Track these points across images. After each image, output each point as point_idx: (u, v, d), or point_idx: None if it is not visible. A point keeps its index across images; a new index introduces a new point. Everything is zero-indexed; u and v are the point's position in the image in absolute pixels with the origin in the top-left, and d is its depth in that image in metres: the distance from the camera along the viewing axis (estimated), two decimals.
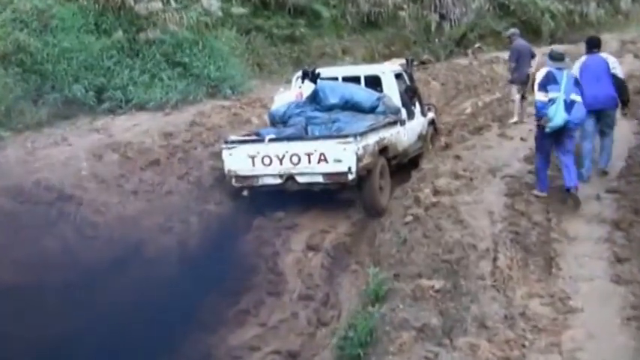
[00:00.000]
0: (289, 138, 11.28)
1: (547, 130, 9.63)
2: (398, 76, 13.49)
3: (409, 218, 9.76)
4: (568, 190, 9.74)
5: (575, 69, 10.41)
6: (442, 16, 26.85)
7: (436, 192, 10.32)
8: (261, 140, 11.40)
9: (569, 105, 9.49)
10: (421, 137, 14.04)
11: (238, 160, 11.31)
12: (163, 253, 10.11)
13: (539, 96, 9.62)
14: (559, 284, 7.57)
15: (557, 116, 9.45)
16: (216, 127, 14.09)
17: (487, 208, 9.61)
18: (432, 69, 23.86)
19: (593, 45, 10.90)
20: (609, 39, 30.91)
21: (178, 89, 16.00)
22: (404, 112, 12.94)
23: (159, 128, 13.82)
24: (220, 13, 18.17)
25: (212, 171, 12.47)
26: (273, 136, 11.51)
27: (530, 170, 11.08)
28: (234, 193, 12.15)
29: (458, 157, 11.93)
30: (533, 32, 27.10)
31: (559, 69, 9.72)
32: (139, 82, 15.82)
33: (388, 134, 12.08)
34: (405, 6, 25.75)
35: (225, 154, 11.44)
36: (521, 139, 13.15)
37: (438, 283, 7.43)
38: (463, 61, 25.79)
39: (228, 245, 10.83)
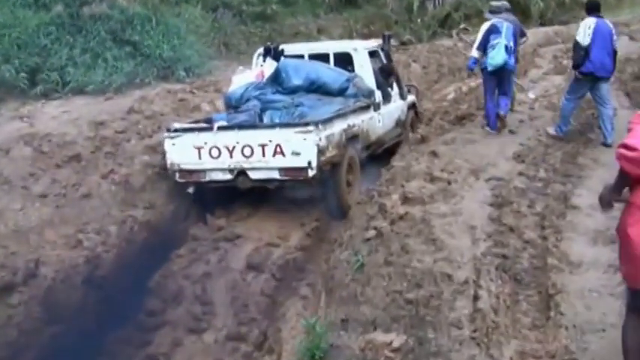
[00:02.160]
0: (240, 126, 9.83)
1: (489, 69, 10.99)
2: (372, 53, 12.06)
3: (371, 233, 7.81)
4: (498, 115, 11.24)
5: (585, 31, 10.40)
6: None
7: (406, 199, 8.35)
8: (208, 129, 9.90)
9: (508, 49, 10.84)
10: (399, 123, 12.79)
11: (183, 152, 9.86)
12: (65, 275, 8.11)
13: (475, 53, 11.36)
14: (560, 337, 5.61)
15: (498, 56, 10.79)
16: (157, 116, 12.15)
17: (467, 221, 7.64)
18: (412, 50, 22.05)
19: (595, 8, 10.73)
20: None
21: (124, 71, 14.52)
22: (378, 95, 11.65)
23: (91, 116, 11.87)
24: None
25: (144, 168, 10.58)
26: (222, 123, 10.03)
27: (521, 172, 9.18)
28: (169, 194, 10.26)
29: (435, 154, 9.96)
30: (522, 13, 25.56)
31: (499, 21, 11.06)
32: (79, 62, 14.31)
33: (359, 121, 10.69)
34: None
35: (167, 144, 9.98)
36: (510, 131, 11.24)
37: (397, 339, 5.48)
38: (447, 42, 23.94)
39: (152, 263, 8.93)
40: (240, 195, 10.34)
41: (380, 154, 11.77)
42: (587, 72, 10.44)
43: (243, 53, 18.56)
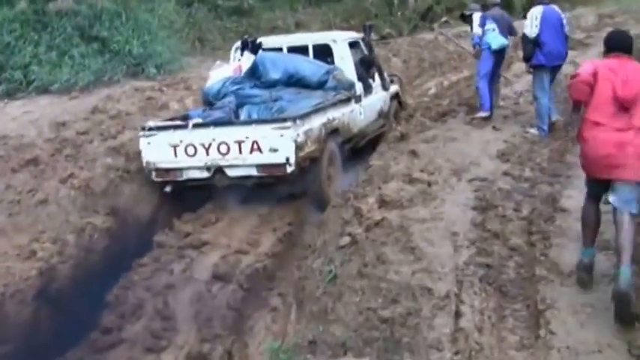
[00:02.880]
0: (216, 123, 9.63)
1: (494, 47, 11.09)
2: (353, 44, 11.84)
3: (345, 240, 7.24)
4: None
5: (532, 22, 10.19)
6: None
7: (383, 202, 7.77)
8: (183, 126, 9.65)
9: (501, 34, 11.12)
10: (382, 114, 12.58)
11: (158, 150, 9.63)
12: (15, 290, 7.43)
13: (478, 30, 11.25)
14: (551, 359, 5.04)
15: (498, 38, 11.09)
16: (122, 115, 11.56)
17: (449, 227, 7.07)
18: (393, 44, 21.52)
19: None
20: (585, 12, 29.17)
21: (92, 68, 13.86)
22: (359, 87, 11.44)
23: (53, 116, 11.28)
24: None
25: (107, 171, 9.97)
26: (197, 120, 9.79)
27: (506, 172, 8.62)
28: (133, 198, 9.67)
29: (414, 153, 9.38)
30: (506, 5, 24.92)
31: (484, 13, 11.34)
32: (44, 60, 13.67)
33: (339, 114, 10.46)
34: None
35: (142, 142, 9.73)
36: (494, 128, 10.69)
37: None
38: (428, 36, 23.41)
39: (112, 274, 8.28)
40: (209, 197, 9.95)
41: (364, 145, 11.56)
42: (538, 64, 10.29)
43: (218, 49, 18.09)
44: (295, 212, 9.72)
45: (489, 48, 11.11)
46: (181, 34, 17.53)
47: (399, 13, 24.90)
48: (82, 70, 13.65)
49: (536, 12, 10.20)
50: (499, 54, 11.32)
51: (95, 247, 8.76)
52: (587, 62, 6.32)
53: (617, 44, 6.02)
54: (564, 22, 10.46)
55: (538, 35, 10.06)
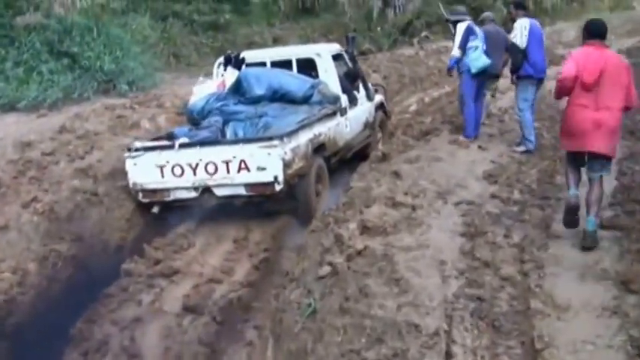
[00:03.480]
0: (202, 143, 9.49)
1: (473, 71, 10.65)
2: (337, 57, 11.75)
3: (325, 270, 6.78)
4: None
5: (521, 32, 10.11)
6: (385, 2, 24.76)
7: (365, 228, 7.34)
8: (170, 147, 9.52)
9: (485, 53, 10.65)
10: (368, 125, 12.43)
11: (145, 171, 9.51)
12: None
13: (456, 52, 10.72)
14: None
15: (481, 59, 10.62)
16: (90, 135, 11.01)
17: (436, 256, 6.63)
18: (372, 60, 21.13)
19: (524, 7, 10.86)
20: (566, 27, 29.05)
21: (61, 85, 13.37)
22: (344, 100, 11.29)
23: (18, 136, 10.72)
24: None
25: (73, 194, 9.45)
26: (184, 140, 9.62)
27: (494, 194, 8.21)
28: (100, 223, 9.17)
29: (397, 175, 8.97)
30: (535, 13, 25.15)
31: (472, 23, 10.90)
32: (12, 76, 13.17)
33: (325, 128, 10.38)
34: None
35: (129, 164, 9.58)
36: (480, 147, 10.28)
37: None
38: (408, 51, 23.09)
39: (76, 306, 7.71)
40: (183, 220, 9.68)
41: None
42: (526, 75, 10.20)
43: (193, 65, 17.74)
44: (272, 236, 9.25)
45: (469, 71, 10.78)
46: (155, 49, 17.10)
47: (379, 28, 24.64)
48: (50, 86, 13.19)
49: (524, 23, 10.13)
50: (482, 74, 10.88)
51: (59, 277, 8.26)
52: (568, 61, 7.04)
53: (594, 32, 6.96)
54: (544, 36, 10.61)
55: (526, 47, 10.04)
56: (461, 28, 10.77)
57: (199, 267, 8.47)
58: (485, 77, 10.96)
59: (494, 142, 10.70)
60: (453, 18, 11.33)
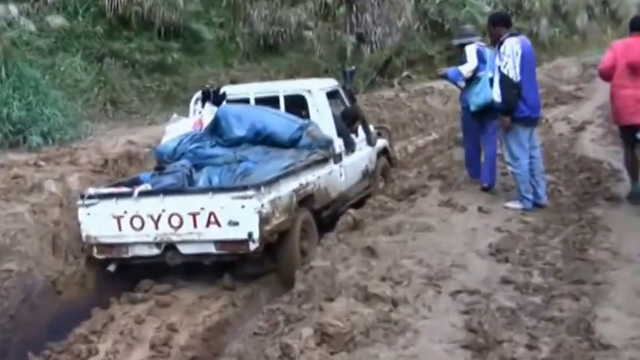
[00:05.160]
0: (166, 191, 8.62)
1: (472, 108, 9.10)
2: (332, 94, 10.93)
3: None
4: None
5: (514, 59, 8.02)
6: (360, 38, 22.56)
7: (324, 337, 5.06)
8: (127, 194, 8.69)
9: (491, 83, 8.59)
10: (367, 174, 11.51)
11: (100, 222, 8.68)
12: None
13: (466, 74, 9.04)
14: None
15: (484, 92, 8.78)
16: None
17: None
18: None
19: (508, 22, 8.72)
20: (567, 63, 27.71)
21: None
22: (339, 144, 10.51)
23: None
24: (33, 28, 13.04)
25: None
26: (145, 187, 8.87)
27: (505, 278, 5.93)
28: None
29: (372, 251, 6.73)
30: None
31: (482, 46, 9.31)
32: None
33: (314, 177, 9.59)
34: (313, 24, 21.39)
35: (81, 213, 8.76)
36: (480, 209, 8.04)
37: None
38: (388, 93, 21.24)
39: None
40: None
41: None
42: (523, 117, 8.25)
43: (135, 112, 15.68)
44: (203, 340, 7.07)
45: (467, 107, 9.23)
46: (89, 94, 14.96)
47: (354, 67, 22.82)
48: None
49: (515, 47, 8.12)
50: (484, 110, 8.98)
51: None
52: (608, 52, 8.48)
53: (635, 26, 8.25)
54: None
55: (520, 79, 8.08)
56: (471, 52, 9.08)
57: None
58: (488, 113, 8.95)
59: (498, 202, 8.47)
60: (458, 42, 9.65)
